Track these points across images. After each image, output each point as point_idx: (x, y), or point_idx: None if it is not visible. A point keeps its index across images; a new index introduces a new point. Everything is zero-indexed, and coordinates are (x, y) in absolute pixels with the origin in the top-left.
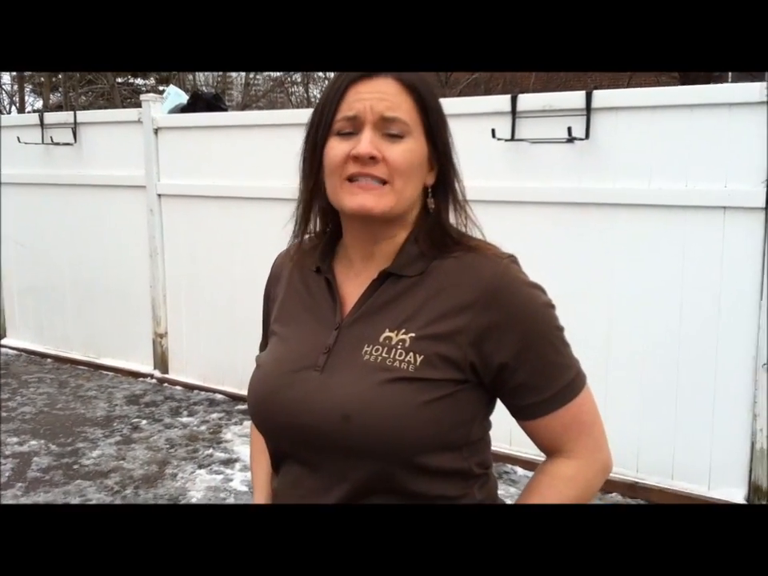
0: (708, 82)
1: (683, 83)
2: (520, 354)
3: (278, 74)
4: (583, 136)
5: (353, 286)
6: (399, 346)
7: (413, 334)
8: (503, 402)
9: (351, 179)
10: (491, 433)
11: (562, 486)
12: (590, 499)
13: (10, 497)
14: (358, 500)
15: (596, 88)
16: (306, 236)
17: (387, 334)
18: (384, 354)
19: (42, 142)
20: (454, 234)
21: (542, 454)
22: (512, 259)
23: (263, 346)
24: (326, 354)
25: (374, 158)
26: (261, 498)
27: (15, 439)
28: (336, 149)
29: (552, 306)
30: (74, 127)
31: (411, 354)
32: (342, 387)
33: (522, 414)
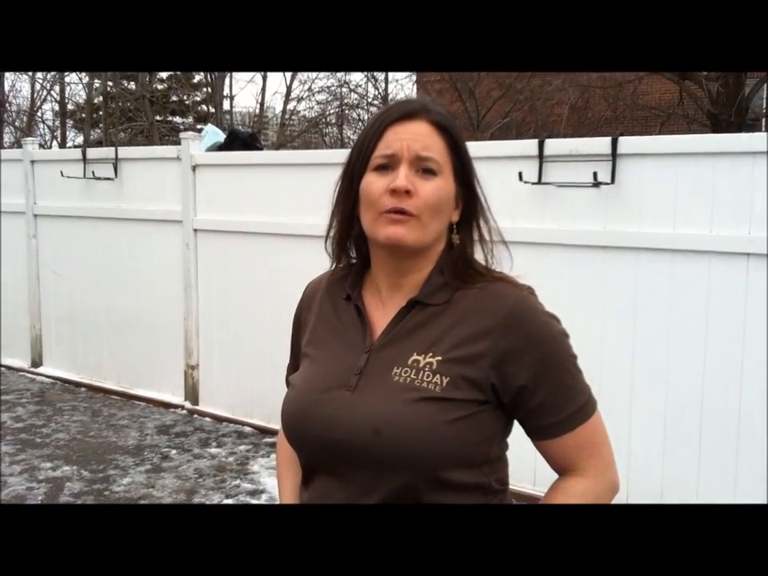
0: (740, 130)
1: (714, 131)
2: (537, 377)
3: (313, 114)
4: (609, 181)
5: (380, 313)
6: (427, 368)
7: (439, 357)
8: (520, 422)
9: (387, 212)
10: (515, 473)
11: (574, 501)
12: None
13: None
14: None
15: (623, 134)
16: (335, 266)
17: (415, 357)
18: (413, 376)
19: (84, 177)
20: (478, 267)
21: None
22: (530, 291)
23: (291, 369)
24: (357, 375)
25: (408, 192)
26: None
27: (49, 464)
28: (375, 183)
29: (566, 335)
30: (115, 162)
31: (438, 375)
32: (373, 405)
33: (538, 434)
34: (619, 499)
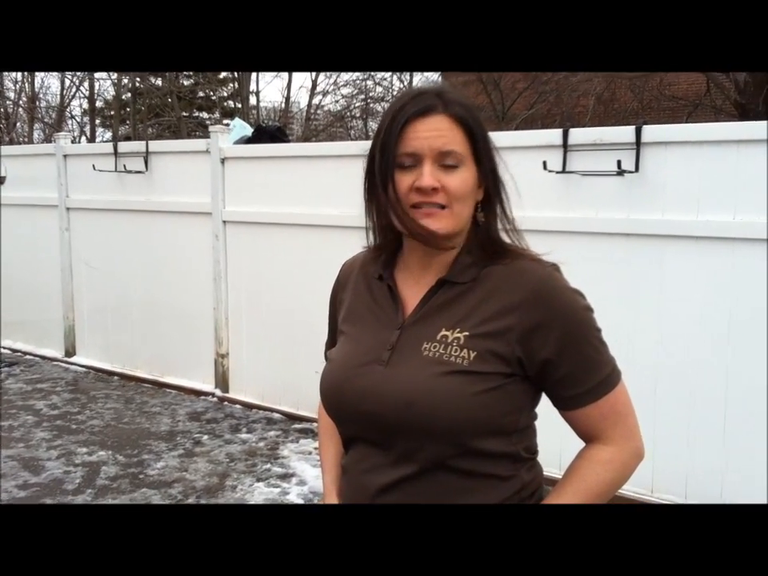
0: None
1: (742, 121)
2: (562, 351)
3: (339, 108)
4: (633, 169)
5: (412, 291)
6: (455, 343)
7: (467, 333)
8: (547, 394)
9: (415, 206)
10: (541, 459)
11: (600, 468)
12: (624, 481)
13: (80, 502)
14: (420, 476)
15: (647, 123)
16: (367, 248)
17: (444, 332)
18: (441, 350)
19: (116, 170)
20: (504, 244)
21: None
22: (555, 267)
23: (329, 344)
24: (389, 350)
25: (435, 189)
26: (329, 478)
27: (84, 450)
28: (401, 182)
29: (591, 310)
30: (146, 156)
31: (465, 350)
32: (405, 378)
33: (564, 404)
34: (644, 488)
